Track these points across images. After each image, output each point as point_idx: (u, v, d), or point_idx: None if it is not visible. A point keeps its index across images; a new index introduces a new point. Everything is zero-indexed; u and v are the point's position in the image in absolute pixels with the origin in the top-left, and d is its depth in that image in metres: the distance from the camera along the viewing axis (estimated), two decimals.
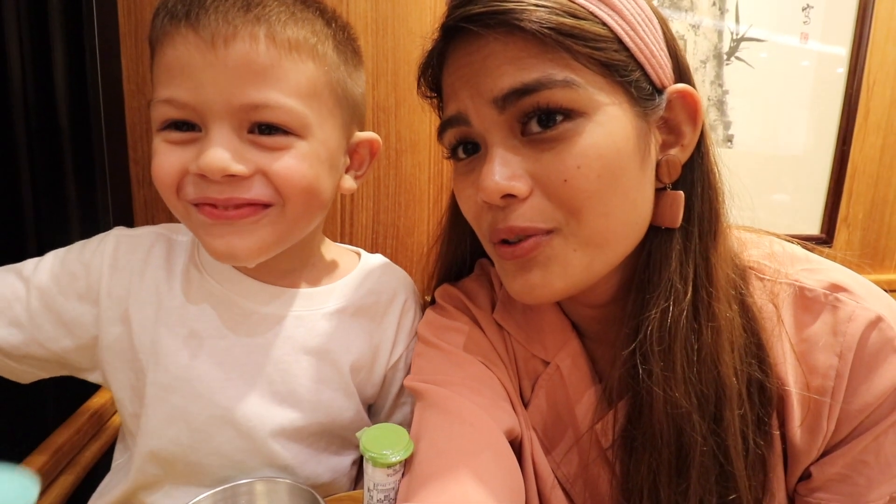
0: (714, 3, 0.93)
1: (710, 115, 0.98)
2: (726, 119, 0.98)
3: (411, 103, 0.88)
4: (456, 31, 0.36)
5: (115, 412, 0.65)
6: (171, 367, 0.45)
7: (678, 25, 0.93)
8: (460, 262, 0.51)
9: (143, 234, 0.50)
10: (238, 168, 0.39)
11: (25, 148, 0.65)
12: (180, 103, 0.39)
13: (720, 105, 0.97)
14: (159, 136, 0.41)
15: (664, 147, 0.37)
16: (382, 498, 0.35)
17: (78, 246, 0.49)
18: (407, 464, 0.35)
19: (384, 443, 0.35)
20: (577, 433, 0.41)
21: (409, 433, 0.37)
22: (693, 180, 0.37)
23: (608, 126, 0.33)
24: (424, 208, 0.91)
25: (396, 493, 0.35)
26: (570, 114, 0.33)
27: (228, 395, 0.46)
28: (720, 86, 0.96)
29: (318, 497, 0.40)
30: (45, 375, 0.49)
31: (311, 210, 0.44)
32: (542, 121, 0.33)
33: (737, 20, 0.94)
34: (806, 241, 0.43)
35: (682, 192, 0.37)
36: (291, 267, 0.51)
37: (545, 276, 0.35)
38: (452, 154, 0.40)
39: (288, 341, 0.48)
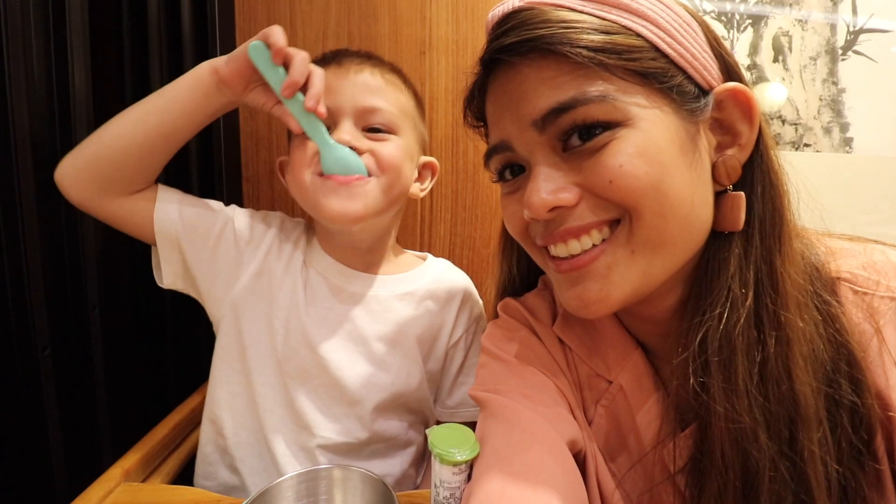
0: None
1: (822, 117, 0.88)
2: (843, 120, 0.87)
3: None
4: (493, 63, 0.38)
5: None
6: (292, 319, 0.60)
7: (782, 21, 0.85)
8: (515, 281, 0.51)
9: (297, 224, 0.68)
10: (358, 143, 0.56)
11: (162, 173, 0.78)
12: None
13: (834, 105, 0.86)
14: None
15: (720, 148, 0.36)
16: (448, 496, 0.36)
17: (251, 212, 0.65)
18: (472, 467, 0.36)
19: (452, 441, 0.36)
20: (641, 453, 0.39)
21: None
22: (753, 181, 0.35)
23: (649, 130, 0.33)
24: (500, 221, 0.92)
25: (462, 491, 0.36)
26: (608, 125, 0.33)
27: (325, 348, 0.60)
28: (834, 83, 0.86)
29: (389, 487, 0.42)
30: (181, 284, 0.62)
31: (398, 187, 0.59)
32: (582, 135, 0.34)
33: (853, 11, 0.84)
34: None
35: (742, 194, 0.35)
36: (372, 258, 0.65)
37: (603, 286, 0.35)
38: (500, 178, 0.41)
39: (367, 315, 0.62)
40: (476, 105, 0.42)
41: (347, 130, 0.56)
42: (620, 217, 0.35)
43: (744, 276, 0.34)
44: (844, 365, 0.33)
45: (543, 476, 0.33)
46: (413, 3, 0.88)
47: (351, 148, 0.56)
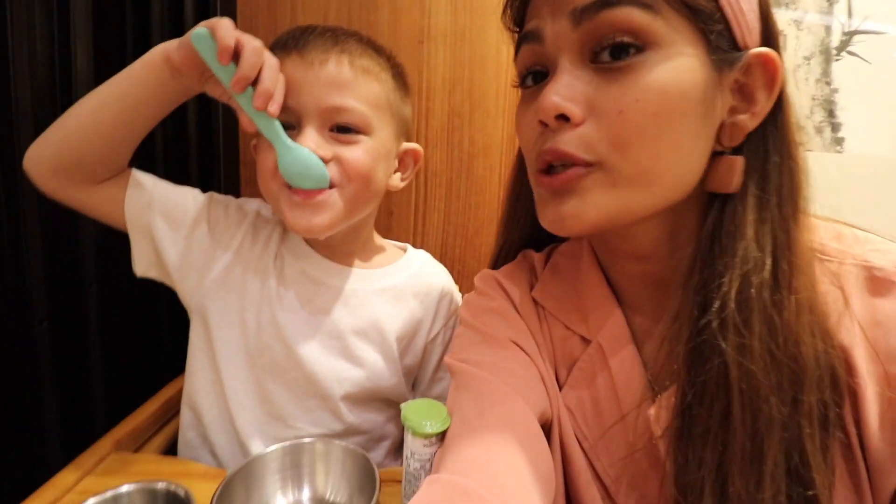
0: None
1: (815, 116, 0.89)
2: (835, 120, 0.87)
3: (485, 109, 0.91)
4: None
5: None
6: (264, 312, 0.58)
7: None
8: (515, 249, 0.51)
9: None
10: (322, 152, 0.52)
11: (161, 154, 0.79)
12: (284, 107, 0.51)
13: (827, 105, 0.87)
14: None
15: (732, 112, 0.35)
16: (419, 466, 0.38)
17: (228, 200, 0.63)
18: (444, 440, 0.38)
19: (424, 414, 0.38)
20: (618, 417, 0.40)
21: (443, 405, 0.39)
22: (768, 150, 0.35)
23: (679, 65, 0.33)
24: (494, 210, 0.94)
25: (432, 463, 0.37)
26: (643, 45, 0.32)
27: (298, 341, 0.58)
28: (828, 84, 0.86)
29: (371, 460, 0.44)
30: (155, 273, 0.60)
31: (367, 193, 0.56)
32: (613, 52, 0.34)
33: (849, 13, 0.84)
34: None
35: (741, 158, 0.35)
36: (351, 249, 0.63)
37: (579, 205, 0.35)
38: (522, 82, 0.40)
39: (344, 309, 0.60)
40: (518, 6, 0.40)
41: (311, 137, 0.52)
42: (601, 161, 0.34)
43: (761, 241, 0.34)
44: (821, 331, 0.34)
45: (513, 445, 0.34)
46: None
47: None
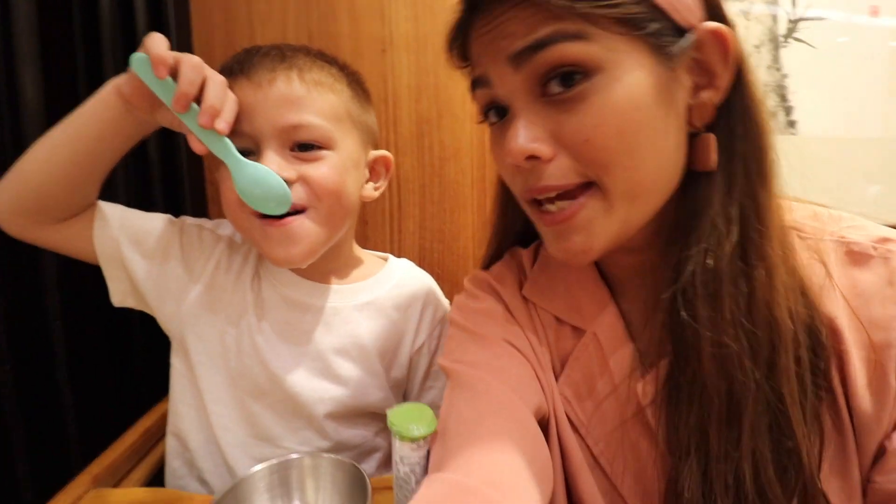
0: None
1: (768, 102, 0.92)
2: (787, 104, 0.91)
3: (453, 113, 0.92)
4: (476, 4, 0.37)
5: None
6: (244, 335, 0.57)
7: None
8: (510, 240, 0.52)
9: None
10: (286, 174, 0.50)
11: (122, 173, 0.77)
12: (240, 133, 0.50)
13: (779, 90, 0.91)
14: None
15: (697, 89, 0.36)
16: (409, 471, 0.37)
17: (200, 223, 0.61)
18: (435, 438, 0.38)
19: (410, 419, 0.37)
20: (615, 396, 0.41)
21: (434, 412, 0.39)
22: (731, 122, 0.36)
23: (626, 80, 0.33)
24: (469, 213, 0.94)
25: (421, 467, 0.37)
26: (586, 71, 0.33)
27: (278, 365, 0.56)
28: (778, 70, 0.90)
29: (362, 470, 0.43)
30: (132, 302, 0.59)
31: (340, 209, 0.54)
32: (562, 81, 0.34)
33: (793, 2, 0.89)
34: None
35: (712, 135, 0.35)
36: (329, 267, 0.61)
37: (586, 238, 0.36)
38: (485, 117, 0.41)
39: (324, 328, 0.59)
40: (460, 45, 0.41)
41: (272, 160, 0.50)
42: (594, 181, 0.35)
43: (727, 212, 0.35)
44: (800, 293, 0.35)
45: (510, 442, 0.34)
46: (372, 1, 0.89)
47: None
